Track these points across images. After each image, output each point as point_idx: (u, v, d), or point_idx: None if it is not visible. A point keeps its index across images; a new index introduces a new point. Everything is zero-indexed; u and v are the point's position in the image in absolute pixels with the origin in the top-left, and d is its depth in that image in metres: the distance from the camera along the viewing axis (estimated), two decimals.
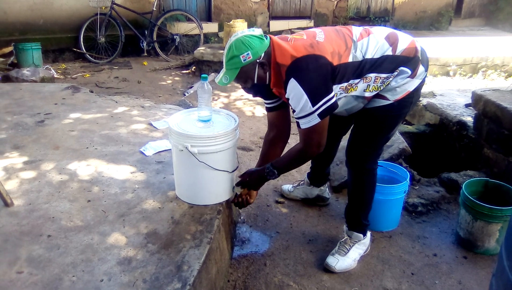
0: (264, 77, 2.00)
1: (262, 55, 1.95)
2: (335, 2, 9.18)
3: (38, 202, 2.17)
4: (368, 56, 1.96)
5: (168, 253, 1.83)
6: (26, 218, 2.03)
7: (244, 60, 1.92)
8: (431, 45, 6.52)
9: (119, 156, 2.72)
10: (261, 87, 2.05)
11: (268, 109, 2.31)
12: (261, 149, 2.44)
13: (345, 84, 1.97)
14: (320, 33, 1.99)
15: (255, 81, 2.01)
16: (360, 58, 1.95)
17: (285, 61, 1.91)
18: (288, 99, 1.98)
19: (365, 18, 9.50)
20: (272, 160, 2.24)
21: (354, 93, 2.02)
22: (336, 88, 1.96)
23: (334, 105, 1.93)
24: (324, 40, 1.94)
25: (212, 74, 6.04)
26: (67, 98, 3.97)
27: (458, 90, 4.79)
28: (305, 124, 1.95)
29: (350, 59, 1.94)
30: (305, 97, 1.86)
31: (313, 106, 1.88)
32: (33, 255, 1.78)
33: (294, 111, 1.99)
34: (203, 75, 2.12)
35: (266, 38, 1.98)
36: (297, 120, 1.99)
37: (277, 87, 2.05)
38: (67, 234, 1.93)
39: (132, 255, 1.81)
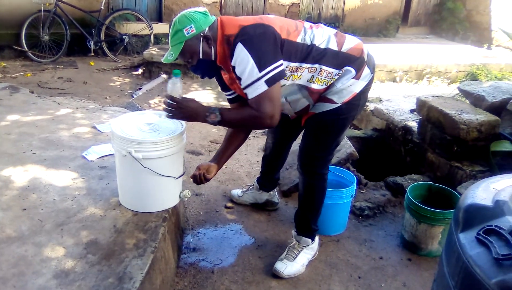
0: (209, 53, 1.97)
1: (207, 29, 1.94)
2: (287, 6, 9.26)
3: None
4: (316, 43, 1.99)
5: (109, 264, 1.74)
6: None
7: (187, 34, 1.92)
8: (380, 51, 6.69)
9: (59, 161, 2.58)
10: (208, 65, 2.01)
11: (229, 101, 2.29)
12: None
13: (292, 64, 1.96)
14: (271, 15, 2.06)
15: (200, 56, 1.96)
16: (308, 42, 1.98)
17: (233, 30, 1.90)
18: (234, 69, 1.91)
19: (316, 23, 9.63)
20: (228, 156, 2.22)
21: (298, 81, 2.01)
22: (284, 65, 1.94)
23: (282, 73, 1.89)
24: (274, 17, 2.01)
25: (163, 75, 5.91)
26: (4, 98, 3.73)
27: (404, 96, 4.93)
28: (253, 92, 1.87)
29: (298, 40, 1.97)
30: (251, 61, 1.82)
31: (260, 71, 1.82)
32: None
33: (241, 83, 1.92)
34: (175, 71, 2.02)
35: (212, 17, 1.99)
36: (245, 91, 1.91)
37: (224, 63, 2.00)
38: None
39: (70, 267, 1.71)
